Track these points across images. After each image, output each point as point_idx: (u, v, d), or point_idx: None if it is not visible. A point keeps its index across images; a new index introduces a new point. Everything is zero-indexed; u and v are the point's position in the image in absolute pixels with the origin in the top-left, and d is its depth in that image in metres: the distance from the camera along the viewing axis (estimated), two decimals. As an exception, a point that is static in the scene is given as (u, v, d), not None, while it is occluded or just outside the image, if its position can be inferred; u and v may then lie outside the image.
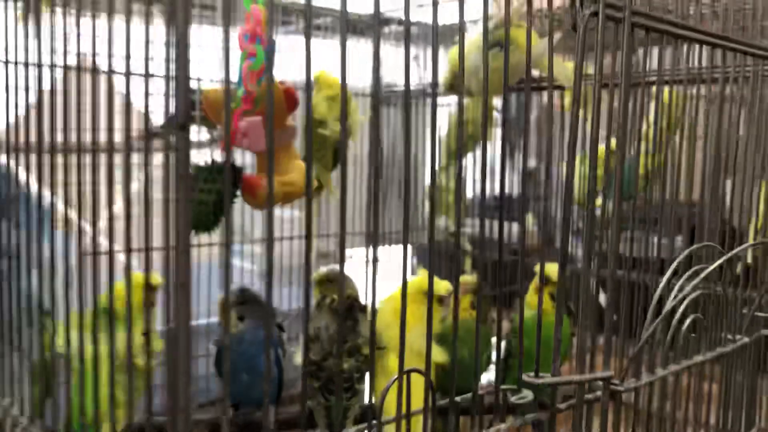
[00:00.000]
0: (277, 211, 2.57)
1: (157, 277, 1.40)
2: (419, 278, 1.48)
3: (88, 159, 1.30)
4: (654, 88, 1.54)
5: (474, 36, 1.85)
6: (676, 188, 1.44)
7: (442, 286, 1.47)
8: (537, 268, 1.60)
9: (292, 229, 2.42)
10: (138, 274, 1.41)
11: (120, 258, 1.88)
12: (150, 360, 1.31)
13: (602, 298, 1.82)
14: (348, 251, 2.95)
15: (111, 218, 1.17)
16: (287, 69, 1.83)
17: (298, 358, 1.45)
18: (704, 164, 1.41)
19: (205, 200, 1.30)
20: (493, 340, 1.67)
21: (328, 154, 2.11)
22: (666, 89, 1.47)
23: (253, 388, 1.44)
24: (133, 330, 1.32)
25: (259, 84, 1.25)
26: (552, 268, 1.61)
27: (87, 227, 1.42)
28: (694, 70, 1.56)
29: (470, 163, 2.51)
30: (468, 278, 1.57)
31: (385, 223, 2.60)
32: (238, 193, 1.34)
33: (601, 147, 2.27)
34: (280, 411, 1.49)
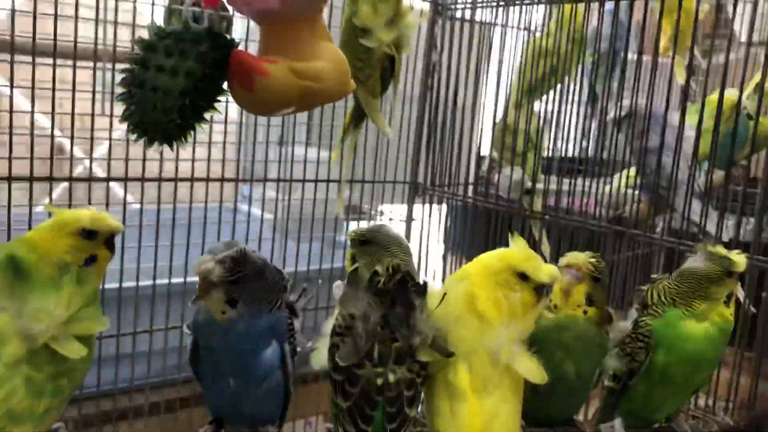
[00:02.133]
0: (298, 149, 2.04)
1: (103, 219, 0.90)
2: (510, 251, 0.96)
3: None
4: None
5: None
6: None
7: (544, 270, 0.95)
8: (716, 249, 1.07)
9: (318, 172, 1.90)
10: (69, 213, 0.91)
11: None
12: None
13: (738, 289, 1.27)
14: (385, 207, 2.44)
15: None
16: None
17: (319, 359, 0.95)
18: None
19: (164, 86, 0.79)
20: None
21: (374, 73, 1.57)
22: None
23: (245, 400, 0.95)
24: (49, 297, 0.83)
25: None
26: (735, 256, 1.08)
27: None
28: None
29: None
30: (580, 256, 1.04)
31: (436, 172, 2.07)
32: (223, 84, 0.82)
33: (714, 97, 1.71)
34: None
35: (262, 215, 1.93)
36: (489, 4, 1.80)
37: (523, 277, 0.94)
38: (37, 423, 0.82)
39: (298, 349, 0.99)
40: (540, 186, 1.77)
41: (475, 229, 2.03)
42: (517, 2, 1.72)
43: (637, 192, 1.62)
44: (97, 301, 0.89)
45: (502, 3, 1.74)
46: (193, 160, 1.63)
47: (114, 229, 0.92)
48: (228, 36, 0.82)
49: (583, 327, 1.00)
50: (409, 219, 2.19)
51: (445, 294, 0.94)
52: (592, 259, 1.03)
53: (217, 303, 0.90)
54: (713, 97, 1.73)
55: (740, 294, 1.15)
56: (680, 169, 1.50)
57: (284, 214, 1.91)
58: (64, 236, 0.87)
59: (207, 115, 0.88)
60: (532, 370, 0.92)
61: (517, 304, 0.94)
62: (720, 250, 1.08)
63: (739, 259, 1.06)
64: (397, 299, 0.91)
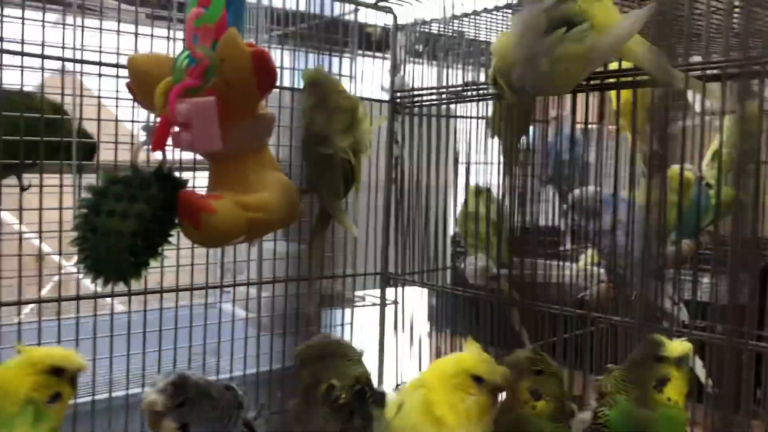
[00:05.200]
0: (268, 244, 2.07)
1: (71, 357, 0.92)
2: (464, 356, 0.99)
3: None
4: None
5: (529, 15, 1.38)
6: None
7: (496, 370, 0.98)
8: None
9: (291, 267, 1.92)
10: (40, 351, 0.93)
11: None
12: None
13: (698, 367, 1.32)
14: (359, 293, 2.46)
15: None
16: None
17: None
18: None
19: (115, 229, 0.83)
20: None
21: (336, 177, 1.62)
22: None
23: None
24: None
25: (213, 47, 0.78)
26: (675, 342, 1.10)
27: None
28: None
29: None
30: (519, 354, 1.06)
31: (406, 260, 2.11)
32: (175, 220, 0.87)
33: (675, 169, 1.76)
34: None
35: (233, 313, 1.94)
36: (444, 102, 1.88)
37: (478, 379, 0.97)
38: None
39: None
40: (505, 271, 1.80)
41: (456, 308, 2.06)
42: (468, 98, 1.80)
43: (602, 270, 1.66)
44: (56, 436, 0.90)
45: (453, 99, 1.82)
46: (162, 272, 1.64)
47: (80, 368, 0.94)
48: (176, 176, 0.87)
49: (537, 425, 1.01)
50: (383, 306, 2.21)
51: (401, 403, 0.96)
52: (529, 354, 1.05)
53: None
54: (674, 170, 1.79)
55: (700, 373, 1.17)
56: (635, 248, 1.54)
57: (258, 312, 1.93)
58: (32, 374, 0.89)
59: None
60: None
61: (473, 407, 0.96)
62: (658, 336, 1.09)
63: (674, 346, 1.05)
64: (356, 411, 0.93)
